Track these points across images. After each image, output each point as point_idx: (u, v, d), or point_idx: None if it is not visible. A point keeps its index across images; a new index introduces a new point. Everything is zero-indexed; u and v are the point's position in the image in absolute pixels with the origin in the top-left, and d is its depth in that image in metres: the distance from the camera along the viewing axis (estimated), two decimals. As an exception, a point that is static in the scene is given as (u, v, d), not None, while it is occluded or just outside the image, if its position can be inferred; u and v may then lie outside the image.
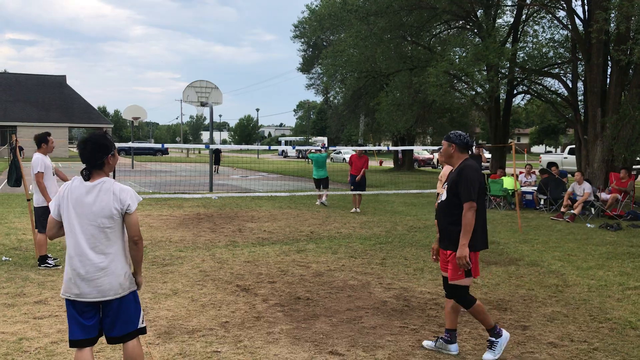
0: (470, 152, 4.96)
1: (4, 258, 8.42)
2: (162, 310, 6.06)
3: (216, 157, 35.97)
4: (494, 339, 4.78)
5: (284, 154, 73.09)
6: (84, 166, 3.74)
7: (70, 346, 3.76)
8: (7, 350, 4.81)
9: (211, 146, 15.68)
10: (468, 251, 4.65)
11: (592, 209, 14.15)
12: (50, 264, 7.87)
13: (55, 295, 6.51)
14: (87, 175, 3.70)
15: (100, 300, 3.65)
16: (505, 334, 4.83)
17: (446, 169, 9.85)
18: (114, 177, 8.05)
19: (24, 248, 9.27)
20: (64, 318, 5.60)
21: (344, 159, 53.71)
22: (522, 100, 31.35)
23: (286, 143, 78.45)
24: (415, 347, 5.05)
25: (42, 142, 7.96)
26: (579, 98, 20.94)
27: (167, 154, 63.39)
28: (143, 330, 3.89)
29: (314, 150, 17.68)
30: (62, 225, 3.76)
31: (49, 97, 56.60)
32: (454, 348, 4.92)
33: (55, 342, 5.00)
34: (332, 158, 58.25)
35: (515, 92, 27.08)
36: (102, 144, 3.71)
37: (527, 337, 5.39)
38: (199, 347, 4.98)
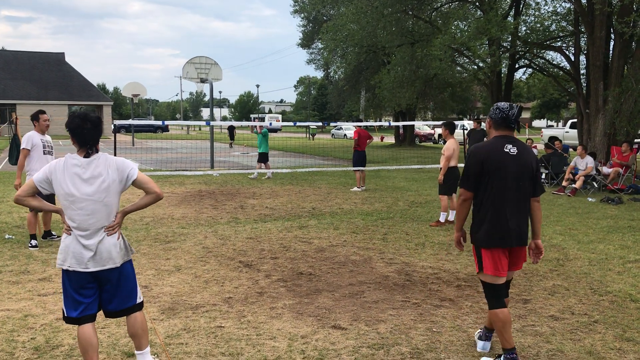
0: (511, 129, 4.21)
1: (7, 236, 8.46)
2: (165, 286, 6.10)
3: (230, 133, 36.34)
4: (504, 356, 4.12)
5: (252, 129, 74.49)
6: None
7: (67, 322, 3.80)
8: (12, 327, 4.86)
9: (222, 123, 15.71)
10: (456, 235, 4.41)
11: (594, 183, 14.15)
12: (31, 245, 7.71)
13: (59, 272, 6.55)
14: (90, 154, 3.71)
15: (99, 270, 3.68)
16: (481, 345, 4.44)
17: (449, 144, 9.84)
18: (114, 155, 8.03)
19: (26, 226, 9.29)
20: (69, 295, 5.64)
21: (344, 135, 53.62)
22: (523, 74, 31.15)
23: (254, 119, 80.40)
24: (417, 321, 5.10)
25: (34, 119, 7.82)
26: (581, 71, 20.79)
27: (168, 131, 63.27)
28: (141, 305, 3.95)
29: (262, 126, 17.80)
30: (36, 194, 3.74)
31: (47, 75, 56.29)
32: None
33: (60, 318, 5.04)
34: (332, 134, 58.10)
35: (517, 66, 26.90)
36: (99, 119, 3.79)
37: (528, 310, 5.44)
38: (203, 322, 5.03)
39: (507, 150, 4.09)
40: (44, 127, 7.83)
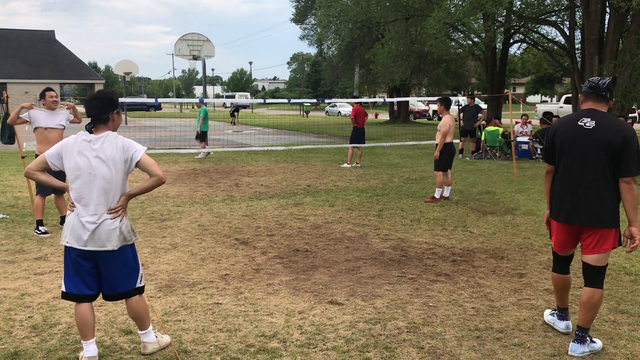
0: (603, 99, 4.01)
1: (1, 215, 8.42)
2: (162, 264, 6.10)
3: (235, 111, 36.43)
4: (557, 312, 4.41)
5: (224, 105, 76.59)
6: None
7: (64, 298, 3.81)
8: (9, 306, 4.86)
9: (232, 102, 15.61)
10: (547, 213, 4.30)
11: None
12: (41, 231, 7.39)
13: (55, 252, 6.54)
14: (91, 129, 3.74)
15: (96, 250, 3.68)
16: (563, 325, 4.36)
17: (445, 120, 9.81)
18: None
19: (20, 205, 9.26)
20: (65, 273, 5.64)
21: (339, 112, 53.40)
22: (518, 49, 31.02)
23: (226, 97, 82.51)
24: (413, 296, 5.13)
25: (41, 97, 7.60)
26: (576, 46, 20.72)
27: (161, 109, 62.84)
28: (141, 290, 3.94)
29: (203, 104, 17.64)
30: (46, 170, 3.79)
31: (38, 53, 55.60)
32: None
33: (57, 297, 5.04)
34: (327, 111, 57.85)
35: (511, 41, 26.77)
36: (109, 98, 3.79)
37: (523, 284, 5.47)
38: (200, 299, 5.04)
39: (582, 124, 3.93)
40: (51, 104, 7.61)
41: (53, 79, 54.50)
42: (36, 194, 7.53)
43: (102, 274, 3.79)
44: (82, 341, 3.82)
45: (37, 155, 7.46)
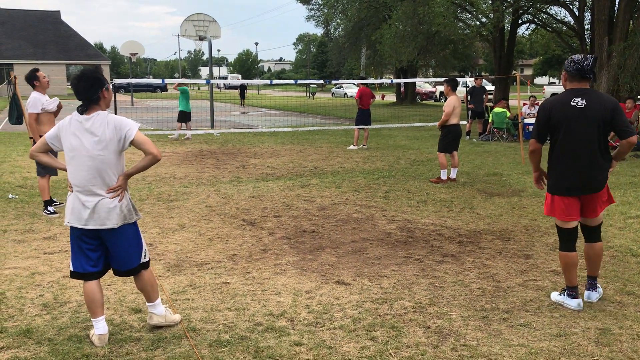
0: (587, 80, 4.28)
1: (10, 196, 8.48)
2: (170, 244, 6.15)
3: (242, 93, 35.87)
4: (566, 292, 4.49)
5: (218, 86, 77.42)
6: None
7: (72, 277, 3.88)
8: (21, 284, 4.92)
9: (235, 82, 15.53)
10: (535, 175, 4.74)
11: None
12: (49, 211, 7.43)
13: (64, 231, 6.60)
14: (83, 110, 3.73)
15: (100, 228, 3.72)
16: (575, 303, 4.42)
17: (450, 100, 9.76)
18: (115, 114, 7.93)
19: (29, 186, 9.33)
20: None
21: (345, 94, 53.18)
22: (526, 30, 30.71)
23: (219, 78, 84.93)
24: (420, 276, 5.15)
25: (33, 79, 7.42)
26: (586, 27, 20.49)
27: (167, 90, 62.75)
28: (145, 265, 3.99)
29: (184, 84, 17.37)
30: (48, 151, 3.86)
31: (43, 34, 55.47)
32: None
33: (67, 276, 5.10)
34: (333, 93, 57.62)
35: (520, 21, 26.50)
36: (95, 77, 3.75)
37: (530, 265, 5.49)
38: (209, 279, 5.09)
39: (574, 104, 4.24)
40: (46, 86, 7.57)
41: (59, 59, 54.45)
42: (40, 175, 7.54)
43: (108, 252, 3.84)
44: (91, 319, 3.88)
45: (31, 139, 7.48)
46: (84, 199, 3.71)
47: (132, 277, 4.02)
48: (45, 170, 7.48)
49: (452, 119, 9.71)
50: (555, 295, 4.61)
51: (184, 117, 16.63)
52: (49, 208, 7.47)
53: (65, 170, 3.93)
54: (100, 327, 3.84)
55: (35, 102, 7.30)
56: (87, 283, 3.85)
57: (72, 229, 3.80)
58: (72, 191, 3.77)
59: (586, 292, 4.58)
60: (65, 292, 4.77)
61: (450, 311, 4.38)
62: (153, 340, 3.88)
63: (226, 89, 70.18)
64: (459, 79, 11.06)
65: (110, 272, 4.01)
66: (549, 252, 5.88)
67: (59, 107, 7.62)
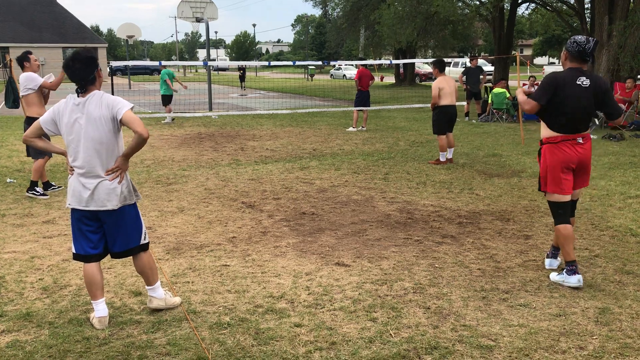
0: (587, 62, 4.52)
1: (8, 180, 8.46)
2: (169, 227, 6.14)
3: (241, 75, 35.48)
4: (565, 268, 4.51)
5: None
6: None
7: (75, 259, 3.89)
8: (20, 268, 4.92)
9: (238, 64, 15.43)
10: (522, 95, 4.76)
11: (595, 120, 14.06)
12: (38, 192, 7.48)
13: (63, 215, 6.59)
14: (80, 92, 3.71)
15: (99, 209, 3.71)
16: (575, 279, 4.43)
17: (436, 82, 9.67)
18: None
19: (27, 170, 9.29)
20: (74, 236, 5.69)
21: (344, 75, 52.88)
22: (526, 9, 30.48)
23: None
24: (420, 257, 5.16)
25: (24, 61, 7.44)
26: (586, 6, 20.31)
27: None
28: (144, 247, 3.97)
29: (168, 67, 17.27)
30: (41, 135, 3.83)
31: (39, 17, 54.96)
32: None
33: (66, 259, 5.10)
34: (331, 75, 57.30)
35: (519, 1, 26.28)
36: (90, 57, 3.73)
37: (529, 245, 5.49)
38: (208, 261, 5.09)
39: (580, 83, 4.45)
40: (37, 68, 7.57)
41: (55, 42, 54.02)
42: (36, 158, 7.51)
43: (106, 233, 3.83)
44: (91, 301, 3.89)
45: (27, 120, 7.44)
46: (84, 181, 3.70)
47: (131, 260, 4.02)
48: (41, 153, 7.45)
49: (442, 99, 9.67)
50: (554, 276, 4.62)
51: (164, 100, 16.54)
52: (37, 189, 7.49)
53: (60, 154, 3.93)
54: (100, 310, 3.84)
55: (30, 79, 7.30)
56: (87, 265, 3.85)
57: (73, 211, 3.79)
58: (72, 174, 3.75)
59: (547, 260, 4.91)
60: (65, 275, 4.77)
61: (450, 292, 4.39)
62: (153, 322, 3.88)
63: (214, 70, 70.18)
64: (459, 60, 11.00)
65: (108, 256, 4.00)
66: (549, 232, 5.88)
67: (51, 85, 7.60)
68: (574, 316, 3.95)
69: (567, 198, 4.56)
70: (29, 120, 7.39)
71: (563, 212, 4.57)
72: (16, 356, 3.45)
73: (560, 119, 4.51)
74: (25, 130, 7.41)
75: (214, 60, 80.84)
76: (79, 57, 3.70)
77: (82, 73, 3.68)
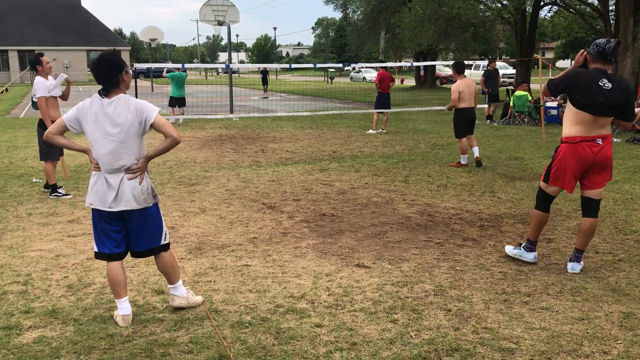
0: (609, 62, 4.59)
1: (34, 180, 8.62)
2: (191, 227, 6.21)
3: (264, 78, 35.27)
4: (524, 244, 5.09)
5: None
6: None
7: (97, 258, 3.95)
8: (46, 266, 5.01)
9: (260, 67, 15.58)
10: None
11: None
12: (60, 193, 7.60)
13: (87, 215, 6.69)
14: (104, 94, 3.76)
15: (123, 210, 3.76)
16: (532, 255, 5.03)
17: (455, 85, 9.62)
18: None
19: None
20: (98, 236, 5.78)
21: (364, 78, 52.86)
22: (548, 12, 30.18)
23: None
24: (440, 260, 5.14)
25: (36, 64, 7.50)
26: (610, 8, 20.05)
27: (186, 76, 62.92)
28: (165, 247, 4.02)
29: (174, 70, 17.25)
30: (64, 132, 3.85)
31: (64, 20, 55.90)
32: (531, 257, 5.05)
33: (91, 258, 5.17)
34: (351, 77, 57.30)
35: (542, 3, 26.02)
36: (114, 61, 3.76)
37: (552, 249, 5.44)
38: (230, 261, 5.13)
39: (602, 84, 4.51)
40: (49, 71, 7.64)
41: (79, 45, 54.86)
42: (43, 160, 7.62)
43: (130, 233, 3.89)
44: (115, 299, 3.94)
45: (40, 123, 7.55)
46: (109, 181, 3.75)
47: (154, 259, 4.07)
48: (48, 156, 7.57)
49: (460, 102, 9.62)
50: (511, 250, 5.13)
51: (174, 102, 16.59)
52: (60, 190, 7.62)
53: (82, 152, 3.97)
54: (124, 308, 3.90)
55: (40, 86, 7.39)
56: (111, 264, 3.90)
57: (95, 210, 3.84)
58: (96, 170, 3.81)
59: (571, 263, 4.87)
60: (89, 273, 4.85)
61: (471, 294, 4.37)
62: (176, 321, 3.93)
63: (225, 73, 72.15)
64: (480, 62, 10.96)
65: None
66: (571, 236, 5.82)
67: (68, 81, 7.71)
68: (598, 320, 3.91)
69: (557, 193, 4.90)
70: (42, 123, 7.54)
71: (546, 202, 4.96)
72: (42, 352, 3.52)
73: (578, 118, 4.59)
74: (38, 133, 7.59)
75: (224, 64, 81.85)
76: (103, 60, 3.74)
77: (106, 76, 3.72)
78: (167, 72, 17.15)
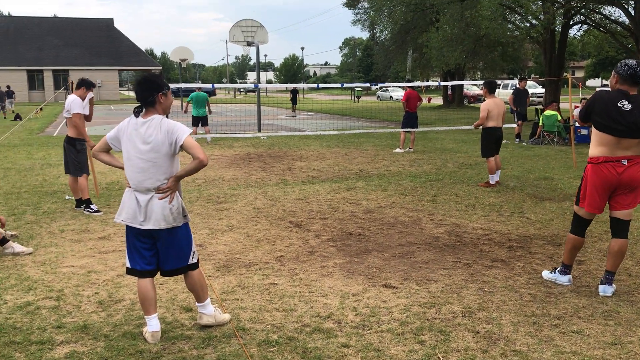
0: (634, 85, 4.57)
1: (67, 197, 8.80)
2: (219, 245, 6.27)
3: (293, 97, 35.19)
4: (558, 268, 5.08)
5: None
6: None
7: (128, 274, 4.03)
8: (77, 282, 5.11)
9: (287, 86, 15.76)
10: None
11: None
12: (92, 209, 7.76)
13: (118, 232, 6.81)
14: (138, 112, 3.87)
15: (151, 228, 3.83)
16: (566, 279, 5.01)
17: (485, 104, 9.60)
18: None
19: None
20: (128, 252, 5.88)
21: (390, 97, 52.92)
22: (578, 31, 29.93)
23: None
24: (469, 281, 5.09)
25: (91, 86, 7.91)
26: (642, 26, 19.78)
27: (215, 95, 63.79)
28: (193, 266, 4.06)
29: (196, 90, 17.42)
30: (108, 150, 4.02)
31: (98, 41, 57.33)
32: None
33: (121, 275, 5.26)
34: (378, 96, 57.40)
35: (571, 22, 25.83)
36: (152, 81, 3.87)
37: (582, 271, 5.35)
38: (257, 279, 5.16)
39: (621, 105, 4.49)
40: (84, 96, 7.97)
41: (112, 65, 56.10)
42: (78, 175, 7.82)
43: (160, 250, 3.95)
44: (144, 316, 4.00)
45: (68, 140, 7.80)
46: (140, 199, 3.83)
47: (183, 276, 4.12)
48: (83, 170, 7.84)
49: (489, 121, 9.59)
50: (546, 274, 5.12)
51: (196, 121, 16.81)
52: (92, 206, 7.79)
53: (122, 168, 4.08)
54: (153, 325, 3.95)
55: (76, 103, 7.68)
56: (141, 281, 3.96)
57: (128, 227, 3.93)
58: (129, 187, 3.91)
59: (602, 286, 4.79)
60: (120, 290, 4.92)
61: (500, 316, 4.32)
62: (204, 338, 3.96)
63: (246, 92, 77.39)
64: (508, 82, 10.95)
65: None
66: (602, 258, 5.71)
67: (91, 102, 7.97)
68: (631, 345, 3.83)
69: (592, 216, 4.84)
70: (69, 140, 7.84)
71: (580, 226, 4.90)
72: (73, 366, 3.58)
73: (601, 140, 4.60)
74: (66, 150, 7.85)
75: (244, 83, 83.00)
76: (140, 80, 3.88)
77: (143, 94, 3.84)
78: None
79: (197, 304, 4.15)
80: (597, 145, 4.66)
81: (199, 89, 17.50)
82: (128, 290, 4.92)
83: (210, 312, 4.14)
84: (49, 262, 5.68)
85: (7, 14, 77.29)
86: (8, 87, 35.43)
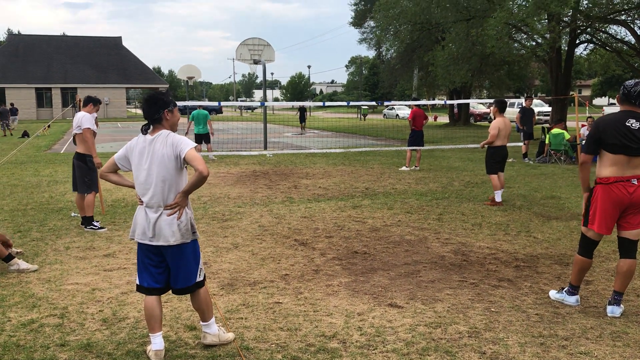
0: (631, 105, 4.58)
1: (73, 214, 8.82)
2: (224, 263, 6.25)
3: (301, 115, 34.93)
4: (566, 288, 5.06)
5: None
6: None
7: (137, 290, 4.02)
8: (82, 300, 5.09)
9: (298, 104, 15.75)
10: (585, 196, 4.92)
11: None
12: (96, 226, 7.80)
13: (123, 249, 6.80)
14: (146, 130, 3.91)
15: (161, 245, 3.83)
16: (574, 299, 4.99)
17: (495, 122, 9.61)
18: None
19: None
20: (132, 270, 5.87)
21: (397, 115, 53.04)
22: (584, 50, 29.98)
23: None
24: (475, 301, 5.05)
25: (96, 104, 8.06)
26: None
27: (222, 112, 64.19)
28: (200, 284, 4.05)
29: (198, 107, 17.49)
30: (116, 170, 4.05)
31: (106, 59, 57.88)
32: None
33: (125, 292, 5.25)
34: (384, 114, 57.56)
35: (577, 41, 25.89)
36: (158, 99, 3.90)
37: (590, 291, 5.30)
38: (261, 298, 5.13)
39: (629, 125, 4.50)
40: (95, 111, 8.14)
41: (120, 83, 56.55)
42: (86, 192, 7.85)
43: (170, 268, 3.95)
44: (149, 334, 3.97)
45: (77, 156, 7.88)
46: (150, 216, 3.85)
47: (188, 295, 4.11)
48: (92, 188, 7.87)
49: (496, 140, 9.61)
50: (553, 294, 5.10)
51: (199, 139, 16.82)
52: (95, 223, 7.82)
53: (132, 187, 4.11)
54: (157, 343, 3.92)
55: (87, 119, 7.80)
56: (148, 298, 3.95)
57: (139, 244, 3.95)
58: (141, 204, 3.92)
59: (610, 306, 4.75)
60: (124, 308, 4.90)
61: (507, 337, 4.27)
62: (207, 357, 3.93)
63: (246, 109, 79.38)
64: (514, 100, 10.99)
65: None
66: (610, 278, 5.66)
67: (95, 121, 8.08)
68: None
69: (601, 237, 4.80)
70: (79, 156, 7.92)
71: (588, 247, 4.86)
72: (76, 385, 3.55)
73: (613, 160, 4.59)
74: (75, 167, 7.90)
75: (244, 100, 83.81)
76: (149, 97, 3.92)
77: (147, 112, 3.89)
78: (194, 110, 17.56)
79: (201, 322, 4.13)
80: (607, 165, 4.64)
81: (200, 106, 17.60)
82: (132, 308, 4.90)
83: (214, 331, 4.11)
84: (53, 280, 5.67)
85: (16, 33, 78.29)
86: (12, 104, 35.85)
